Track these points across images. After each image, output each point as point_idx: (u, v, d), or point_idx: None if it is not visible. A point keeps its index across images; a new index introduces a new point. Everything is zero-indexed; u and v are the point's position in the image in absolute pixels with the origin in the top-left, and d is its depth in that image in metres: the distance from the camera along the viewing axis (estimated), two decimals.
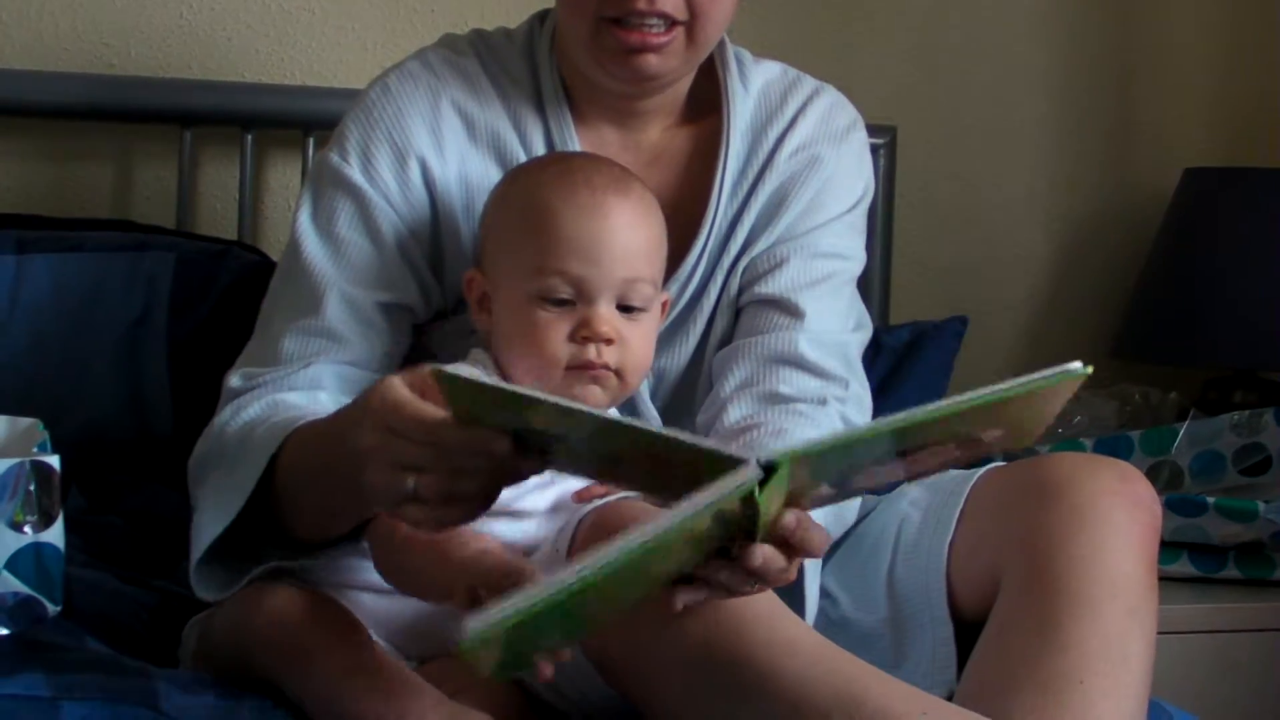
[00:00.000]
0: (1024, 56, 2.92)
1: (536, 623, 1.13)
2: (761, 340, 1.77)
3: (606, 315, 1.61)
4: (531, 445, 1.27)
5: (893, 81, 2.84)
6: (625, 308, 1.62)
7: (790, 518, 1.31)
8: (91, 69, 2.49)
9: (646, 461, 1.27)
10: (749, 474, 1.21)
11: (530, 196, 1.65)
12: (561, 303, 1.61)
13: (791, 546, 1.32)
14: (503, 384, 1.25)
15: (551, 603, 1.12)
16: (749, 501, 1.22)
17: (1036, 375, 1.28)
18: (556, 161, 1.72)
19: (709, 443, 1.26)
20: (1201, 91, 3.01)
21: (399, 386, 1.34)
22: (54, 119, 2.45)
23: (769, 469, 1.22)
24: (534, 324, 1.61)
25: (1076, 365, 1.29)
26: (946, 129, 2.89)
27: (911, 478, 1.38)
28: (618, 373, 1.61)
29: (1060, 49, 2.93)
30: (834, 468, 1.29)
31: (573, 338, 1.60)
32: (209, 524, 1.60)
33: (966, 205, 2.91)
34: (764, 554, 1.30)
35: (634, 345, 1.62)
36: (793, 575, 1.35)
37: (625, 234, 1.62)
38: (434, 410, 1.31)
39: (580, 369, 1.60)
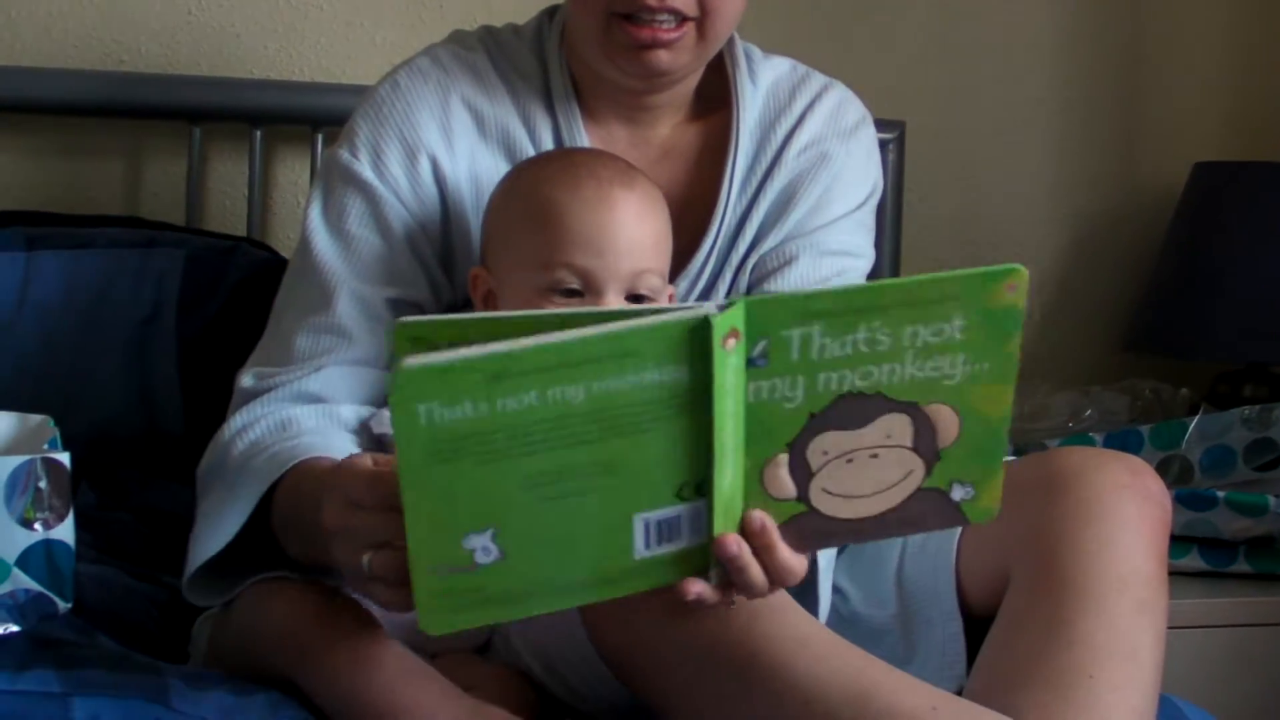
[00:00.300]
0: (1033, 51, 2.92)
1: (473, 397, 1.12)
2: None
3: (615, 306, 1.61)
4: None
5: (901, 76, 2.84)
6: (634, 298, 1.62)
7: (756, 515, 1.31)
8: (101, 66, 2.49)
9: None
10: (705, 308, 1.19)
11: (535, 191, 1.66)
12: (570, 294, 1.61)
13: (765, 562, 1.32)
14: (444, 316, 1.22)
15: (490, 365, 1.11)
16: (706, 343, 1.18)
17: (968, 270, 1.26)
18: (560, 157, 1.72)
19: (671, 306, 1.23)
20: (1211, 86, 3.00)
21: (360, 461, 1.35)
22: (63, 116, 2.45)
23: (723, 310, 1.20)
24: None
25: (1009, 265, 1.26)
26: (955, 124, 2.89)
27: (869, 523, 1.36)
28: None
29: (1069, 43, 2.93)
30: (793, 359, 1.24)
31: None
32: (204, 541, 1.61)
33: (976, 200, 2.91)
34: (735, 550, 1.29)
35: None
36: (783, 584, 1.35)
37: (632, 226, 1.62)
38: (388, 474, 1.29)
39: None
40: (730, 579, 1.32)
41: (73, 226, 2.28)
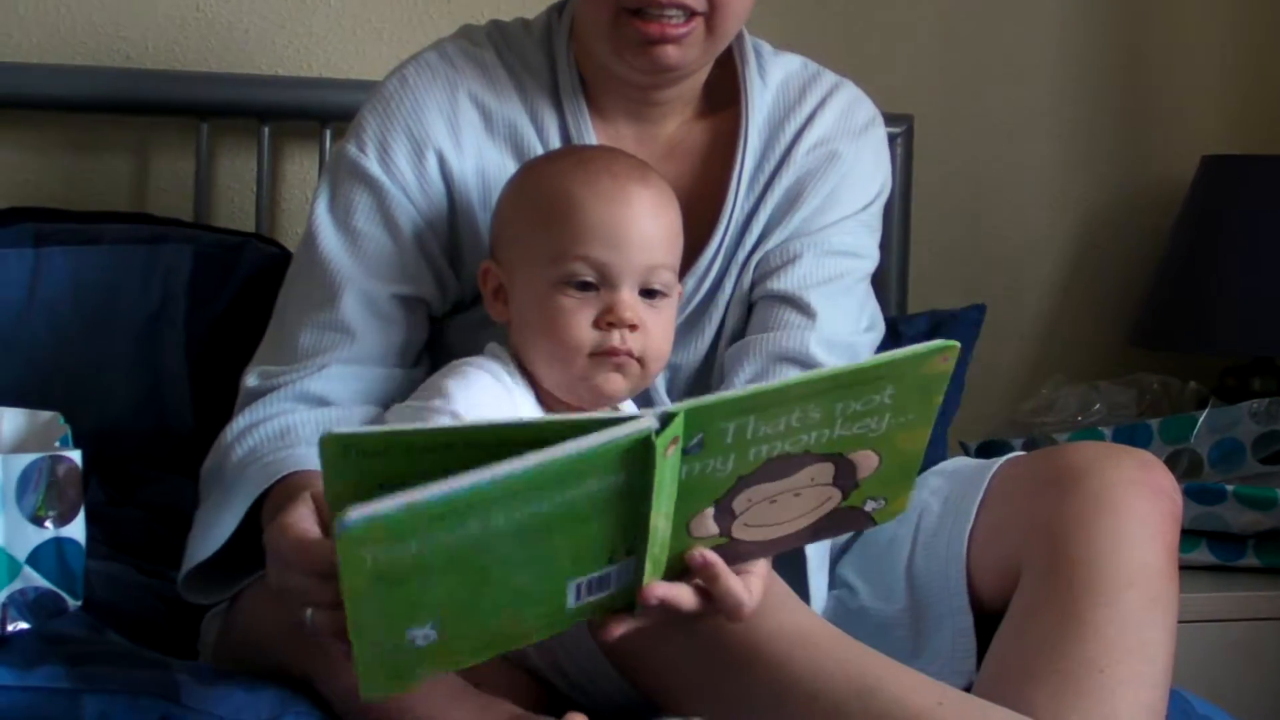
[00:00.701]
0: (1041, 44, 2.92)
1: (418, 536, 1.14)
2: (772, 337, 1.77)
3: (630, 301, 1.60)
4: None
5: (909, 70, 2.83)
6: (647, 294, 1.62)
7: (696, 553, 1.33)
8: (108, 62, 2.49)
9: None
10: (646, 422, 1.21)
11: (549, 186, 1.65)
12: (585, 288, 1.60)
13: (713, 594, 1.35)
14: (378, 429, 1.23)
15: (437, 508, 1.13)
16: (647, 456, 1.21)
17: (909, 349, 1.30)
18: (573, 153, 1.72)
19: (609, 413, 1.26)
20: (1219, 79, 3.00)
21: (294, 526, 1.34)
22: (71, 112, 2.45)
23: (666, 421, 1.22)
24: (557, 310, 1.60)
25: (944, 341, 1.30)
26: (963, 117, 2.88)
27: (784, 539, 1.38)
28: (640, 360, 1.61)
29: (1077, 36, 2.93)
30: (726, 443, 1.27)
31: (596, 324, 1.60)
32: (197, 545, 1.62)
33: (984, 194, 2.91)
34: (664, 592, 1.31)
35: (655, 333, 1.62)
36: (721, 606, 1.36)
37: (647, 220, 1.62)
38: (321, 541, 1.31)
39: (604, 355, 1.60)
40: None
41: (81, 223, 2.28)
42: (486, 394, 1.60)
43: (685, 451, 1.25)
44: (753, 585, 1.37)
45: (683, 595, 1.34)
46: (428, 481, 1.15)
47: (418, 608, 1.20)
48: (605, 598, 1.29)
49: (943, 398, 1.32)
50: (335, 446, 1.20)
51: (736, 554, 1.36)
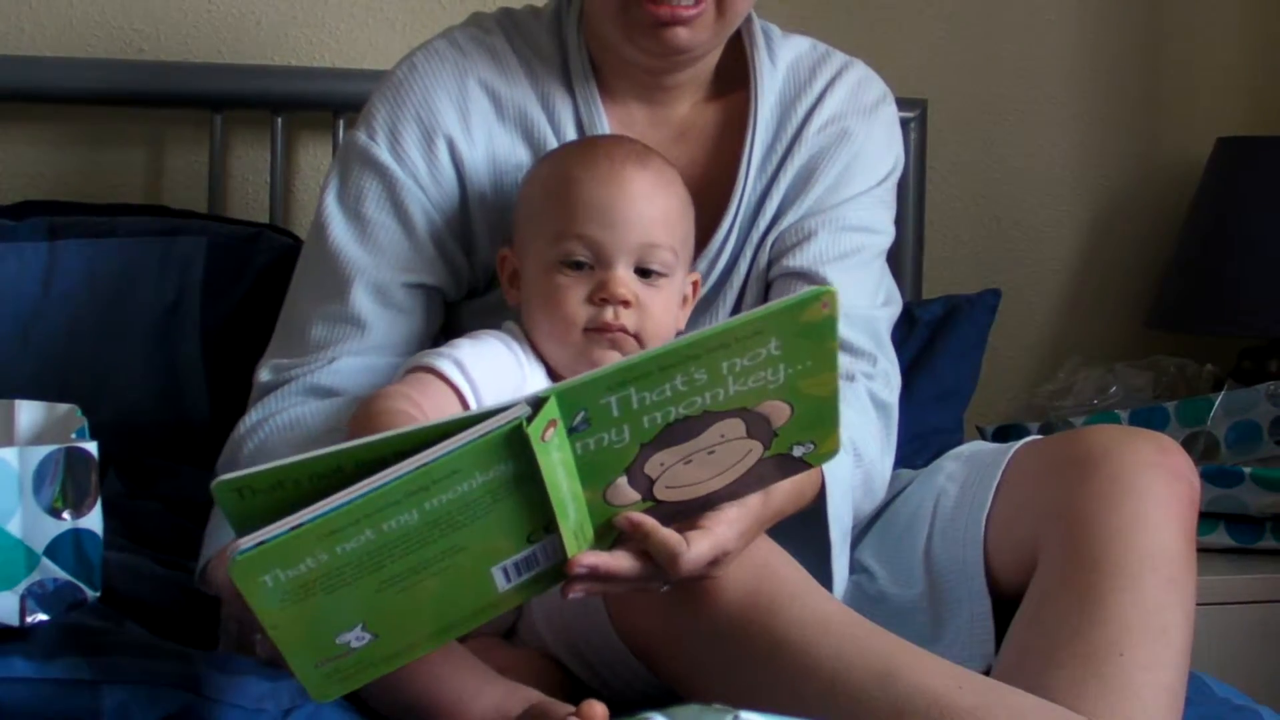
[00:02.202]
0: (1054, 27, 2.91)
1: (311, 554, 1.18)
2: None
3: (623, 278, 1.62)
4: None
5: (923, 54, 2.83)
6: (644, 273, 1.63)
7: (622, 518, 1.35)
8: (121, 55, 2.49)
9: None
10: (516, 411, 1.23)
11: (553, 171, 1.68)
12: (580, 266, 1.62)
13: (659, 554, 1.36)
14: (264, 467, 1.24)
15: (322, 527, 1.17)
16: (524, 444, 1.22)
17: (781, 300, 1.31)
18: (582, 141, 1.75)
19: (491, 406, 1.27)
20: (1233, 60, 2.99)
21: (223, 570, 1.37)
22: (85, 105, 2.45)
23: (537, 406, 1.24)
24: (554, 288, 1.62)
25: (819, 288, 1.30)
26: (977, 101, 2.88)
27: (720, 491, 1.39)
28: (636, 337, 1.62)
29: (1091, 18, 2.92)
30: (614, 415, 1.28)
31: (591, 300, 1.61)
32: (213, 538, 1.64)
33: (998, 178, 2.90)
34: (594, 560, 1.33)
35: (654, 311, 1.63)
36: (682, 571, 1.37)
37: (641, 201, 1.63)
38: None
39: (598, 331, 1.61)
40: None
41: (95, 216, 2.28)
42: (496, 356, 1.62)
43: (573, 430, 1.27)
44: (694, 539, 1.37)
45: (618, 561, 1.35)
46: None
47: (338, 615, 1.23)
48: (538, 574, 1.31)
49: (838, 342, 1.32)
50: (227, 491, 1.23)
51: (670, 514, 1.37)
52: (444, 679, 1.45)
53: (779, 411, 1.33)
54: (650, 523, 1.35)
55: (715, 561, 1.40)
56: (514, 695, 1.44)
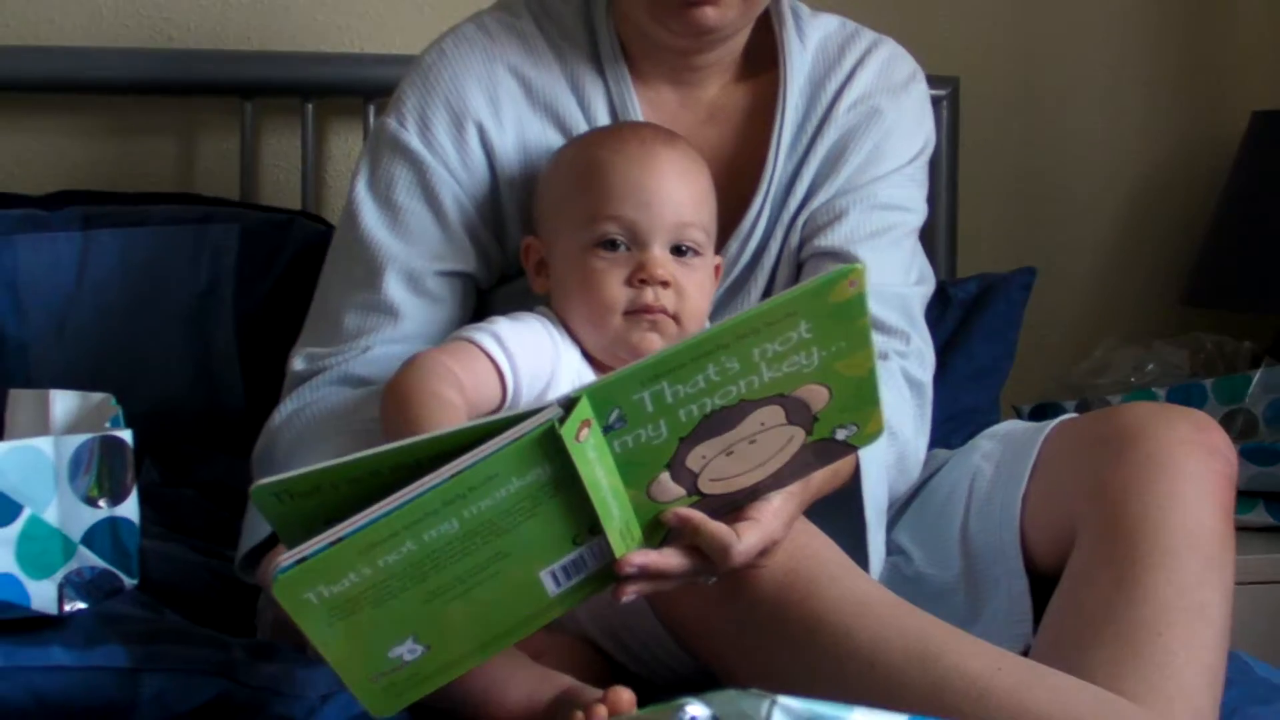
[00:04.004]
0: (1089, 5, 2.89)
1: (354, 568, 1.17)
2: None
3: (662, 258, 1.62)
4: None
5: (955, 32, 2.81)
6: (678, 252, 1.63)
7: (670, 514, 1.34)
8: (151, 44, 2.50)
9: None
10: (549, 413, 1.22)
11: (580, 155, 1.68)
12: (616, 247, 1.62)
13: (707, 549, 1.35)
14: (303, 470, 1.24)
15: (361, 541, 1.17)
16: (559, 445, 1.22)
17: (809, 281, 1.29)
18: (601, 129, 1.75)
19: (524, 408, 1.26)
20: (1268, 33, 2.97)
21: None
22: (115, 95, 2.46)
23: (569, 407, 1.23)
24: (591, 272, 1.62)
25: (846, 266, 1.28)
26: (1010, 79, 2.86)
27: (765, 482, 1.38)
28: (675, 318, 1.62)
29: None
30: (648, 411, 1.27)
31: (629, 282, 1.61)
32: (252, 528, 1.64)
33: (1032, 155, 2.89)
34: (644, 559, 1.32)
35: (690, 290, 1.63)
36: (733, 562, 1.36)
37: (675, 180, 1.64)
38: None
39: (638, 313, 1.61)
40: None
41: (128, 205, 2.29)
42: (533, 334, 1.62)
43: (609, 429, 1.26)
44: (744, 530, 1.36)
45: (667, 559, 1.34)
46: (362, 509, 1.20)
47: (387, 628, 1.23)
48: (588, 576, 1.30)
49: (869, 319, 1.30)
50: (265, 496, 1.23)
51: (716, 507, 1.36)
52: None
53: (817, 395, 1.32)
54: (698, 516, 1.34)
55: (764, 551, 1.39)
56: (545, 682, 1.44)
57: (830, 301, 1.28)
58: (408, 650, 1.25)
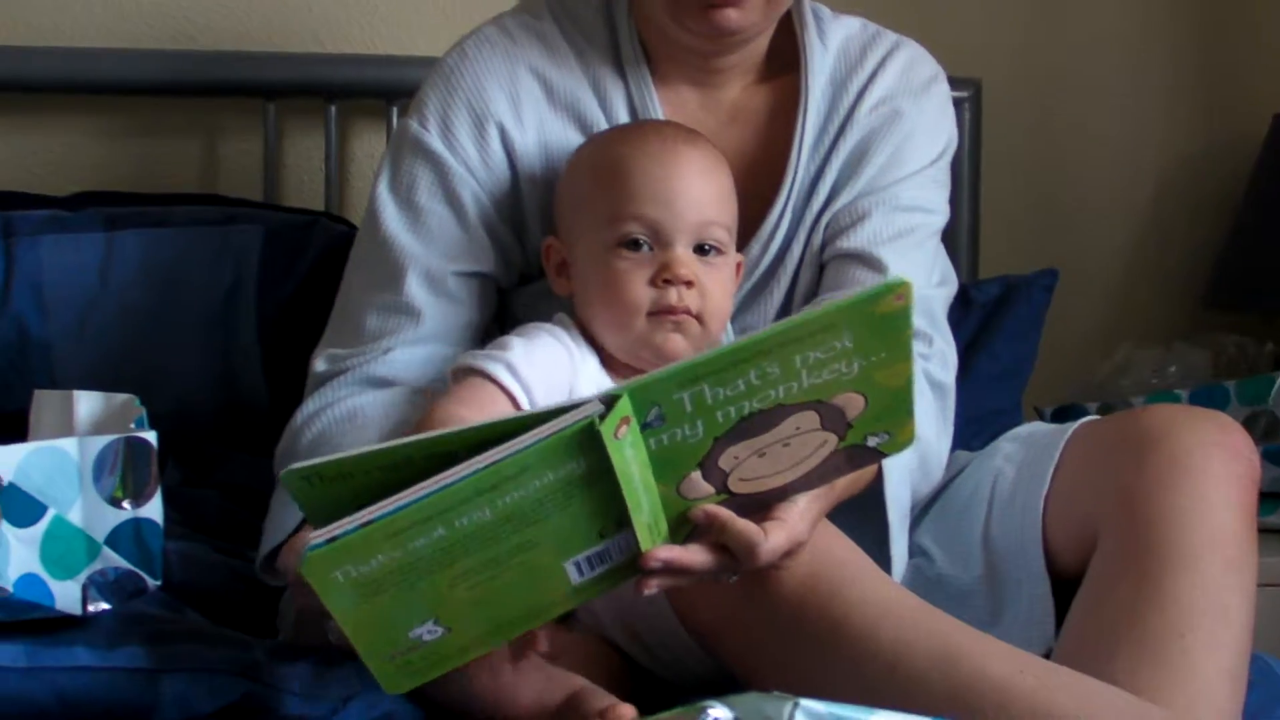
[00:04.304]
0: (1110, 6, 2.89)
1: (383, 550, 1.18)
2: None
3: (685, 258, 1.61)
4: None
5: (977, 33, 2.81)
6: (701, 250, 1.63)
7: (698, 510, 1.34)
8: (174, 45, 2.50)
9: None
10: (589, 409, 1.23)
11: (602, 154, 1.68)
12: (638, 247, 1.61)
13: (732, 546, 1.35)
14: (335, 457, 1.25)
15: (393, 524, 1.17)
16: (596, 441, 1.22)
17: (855, 292, 1.30)
18: (620, 127, 1.75)
19: (561, 403, 1.27)
20: None
21: (294, 559, 1.41)
22: (138, 96, 2.47)
23: (610, 403, 1.23)
24: (614, 272, 1.62)
25: (894, 279, 1.28)
26: (1032, 81, 2.86)
27: (795, 483, 1.38)
28: (699, 318, 1.62)
29: None
30: (687, 411, 1.28)
31: (653, 282, 1.61)
32: (274, 529, 1.64)
33: (1054, 157, 2.89)
34: (669, 554, 1.32)
35: (713, 290, 1.63)
36: (758, 561, 1.36)
37: (697, 179, 1.63)
38: None
39: (662, 314, 1.61)
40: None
41: (151, 206, 2.29)
42: (548, 353, 1.61)
43: (646, 425, 1.27)
44: (771, 530, 1.36)
45: (692, 555, 1.34)
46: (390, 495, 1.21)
47: (410, 609, 1.23)
48: (612, 568, 1.30)
49: (912, 331, 1.31)
50: (296, 480, 1.24)
51: (743, 506, 1.36)
52: (480, 662, 1.45)
53: (853, 403, 1.32)
54: (726, 514, 1.34)
55: (789, 552, 1.39)
56: (555, 684, 1.44)
57: (876, 313, 1.28)
58: (427, 631, 1.25)
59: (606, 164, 1.65)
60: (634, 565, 1.31)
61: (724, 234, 1.65)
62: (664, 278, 1.60)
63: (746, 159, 1.80)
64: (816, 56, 1.84)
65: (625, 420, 1.24)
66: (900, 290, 1.28)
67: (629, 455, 1.25)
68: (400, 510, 1.18)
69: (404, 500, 1.19)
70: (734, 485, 1.35)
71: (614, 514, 1.27)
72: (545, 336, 1.63)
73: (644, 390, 1.25)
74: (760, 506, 1.38)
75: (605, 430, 1.22)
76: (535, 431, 1.21)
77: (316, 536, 1.18)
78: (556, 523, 1.25)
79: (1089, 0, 2.88)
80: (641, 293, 1.61)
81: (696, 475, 1.32)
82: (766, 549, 1.35)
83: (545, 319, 1.69)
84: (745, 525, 1.35)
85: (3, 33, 2.46)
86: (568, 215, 1.69)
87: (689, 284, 1.60)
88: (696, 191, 1.63)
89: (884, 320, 1.29)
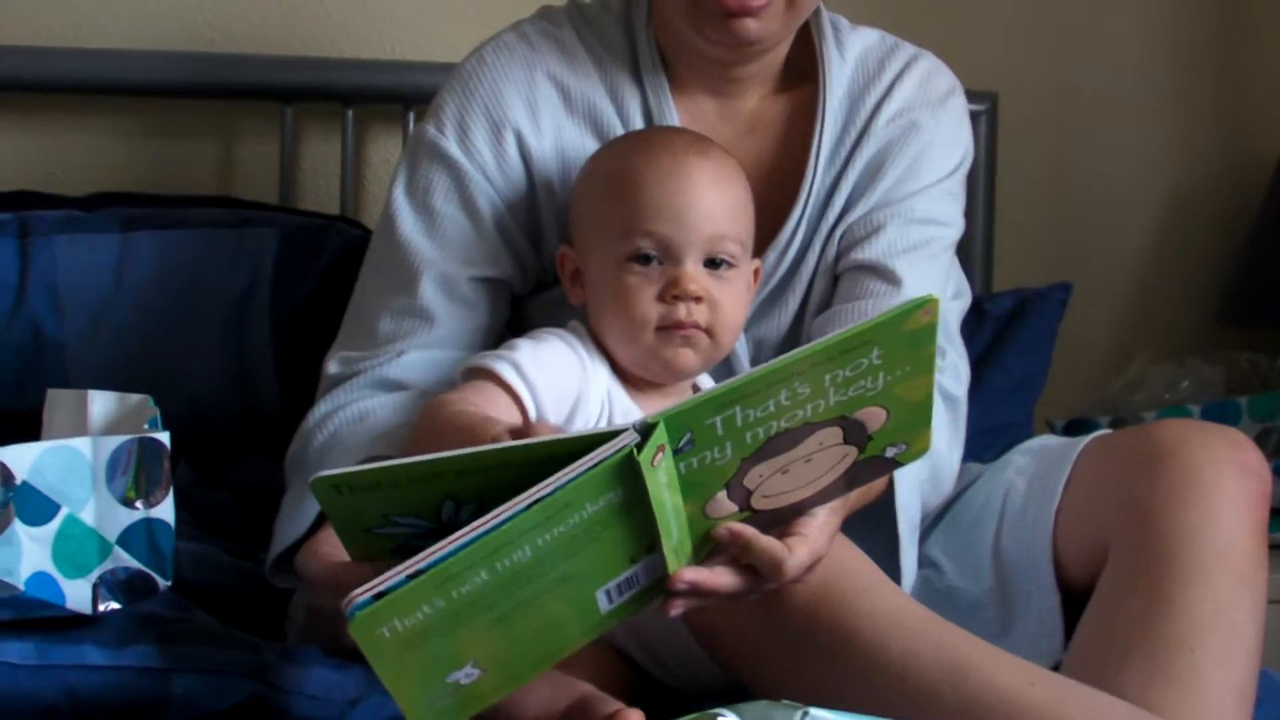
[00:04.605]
0: (1127, 21, 2.89)
1: (429, 601, 1.17)
2: (857, 306, 1.76)
3: (694, 273, 1.61)
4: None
5: (995, 47, 2.81)
6: (712, 264, 1.62)
7: (722, 529, 1.33)
8: (193, 47, 2.51)
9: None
10: (626, 438, 1.22)
11: (613, 166, 1.67)
12: (649, 262, 1.61)
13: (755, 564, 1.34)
14: (365, 467, 1.25)
15: (439, 574, 1.16)
16: (634, 471, 1.22)
17: (886, 310, 1.30)
18: (635, 134, 1.74)
19: (591, 429, 1.27)
20: None
21: (321, 548, 1.42)
22: (156, 97, 2.47)
23: (646, 433, 1.23)
24: (624, 286, 1.61)
25: (923, 297, 1.29)
26: (1049, 94, 2.86)
27: (814, 497, 1.38)
28: (709, 332, 1.61)
29: (1164, 13, 2.90)
30: (718, 434, 1.27)
31: (662, 297, 1.60)
32: (284, 530, 1.65)
33: (1070, 171, 2.89)
34: (694, 576, 1.31)
35: (724, 305, 1.62)
36: (788, 576, 1.35)
37: (708, 192, 1.62)
38: (346, 567, 1.35)
39: (671, 329, 1.60)
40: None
41: (167, 207, 2.30)
42: (556, 356, 1.61)
43: (678, 451, 1.26)
44: (795, 545, 1.35)
45: (718, 576, 1.33)
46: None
47: (451, 657, 1.22)
48: (638, 593, 1.30)
49: (935, 347, 1.32)
50: (325, 488, 1.23)
51: (764, 522, 1.36)
52: None
53: (875, 417, 1.33)
54: (751, 532, 1.34)
55: (810, 566, 1.39)
56: (561, 690, 1.43)
57: (904, 330, 1.29)
58: (465, 675, 1.24)
59: (617, 177, 1.65)
60: (658, 586, 1.31)
61: (736, 247, 1.64)
62: (673, 293, 1.60)
63: (763, 169, 1.80)
64: (835, 68, 1.84)
65: (660, 448, 1.24)
66: (928, 306, 1.28)
67: (662, 481, 1.25)
68: (446, 558, 1.17)
69: (447, 548, 1.17)
70: (756, 503, 1.35)
71: (644, 540, 1.27)
72: (555, 341, 1.63)
73: (679, 418, 1.25)
74: (779, 521, 1.38)
75: (643, 460, 1.22)
76: (574, 465, 1.20)
77: (360, 594, 1.16)
78: (591, 554, 1.24)
79: (1106, 16, 2.88)
80: (650, 308, 1.60)
81: (722, 495, 1.32)
82: (792, 565, 1.35)
83: (560, 326, 1.69)
84: (770, 543, 1.34)
85: (23, 33, 2.46)
86: (580, 226, 1.69)
87: (698, 299, 1.60)
88: (707, 205, 1.62)
89: (911, 336, 1.29)
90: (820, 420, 1.31)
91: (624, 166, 1.65)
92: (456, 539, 1.17)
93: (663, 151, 1.64)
